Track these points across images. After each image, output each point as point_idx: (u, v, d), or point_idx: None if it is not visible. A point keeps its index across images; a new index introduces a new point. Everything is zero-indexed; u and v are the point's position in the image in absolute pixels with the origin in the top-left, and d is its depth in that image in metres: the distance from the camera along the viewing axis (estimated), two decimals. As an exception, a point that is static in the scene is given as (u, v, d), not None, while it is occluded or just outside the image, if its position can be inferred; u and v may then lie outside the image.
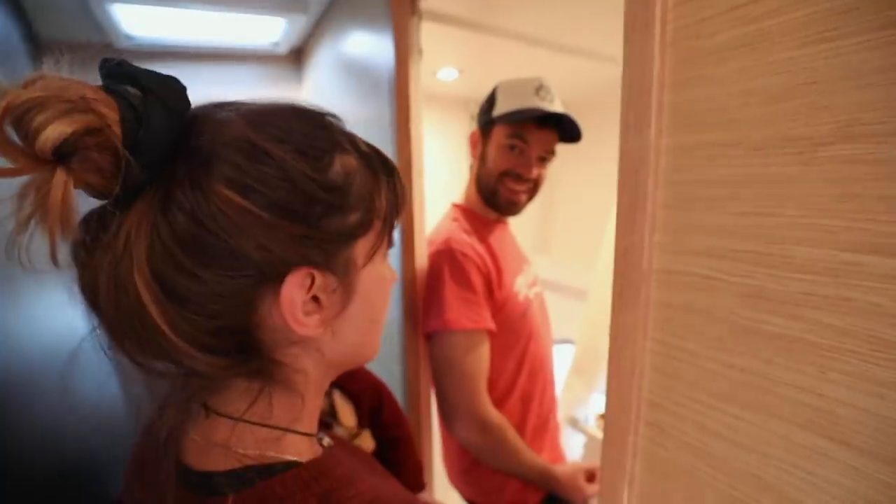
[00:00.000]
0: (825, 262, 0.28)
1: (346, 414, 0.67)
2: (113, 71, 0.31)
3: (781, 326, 0.31)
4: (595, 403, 1.79)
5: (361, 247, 0.38)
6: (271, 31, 1.74)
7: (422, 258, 1.05)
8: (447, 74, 2.11)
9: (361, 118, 1.29)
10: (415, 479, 0.72)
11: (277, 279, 0.33)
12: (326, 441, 0.47)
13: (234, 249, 0.31)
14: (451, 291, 0.96)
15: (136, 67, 0.31)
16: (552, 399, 1.18)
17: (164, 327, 0.30)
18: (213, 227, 0.30)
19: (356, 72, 1.30)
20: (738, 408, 0.34)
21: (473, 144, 1.09)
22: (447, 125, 2.31)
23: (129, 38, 1.60)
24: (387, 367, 1.24)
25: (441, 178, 1.57)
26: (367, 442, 0.68)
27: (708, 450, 0.37)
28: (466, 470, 1.10)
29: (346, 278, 0.37)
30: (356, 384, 0.70)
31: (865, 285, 0.27)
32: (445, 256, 0.98)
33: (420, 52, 0.98)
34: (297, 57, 1.94)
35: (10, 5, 1.14)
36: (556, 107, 1.01)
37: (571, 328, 1.90)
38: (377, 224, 0.39)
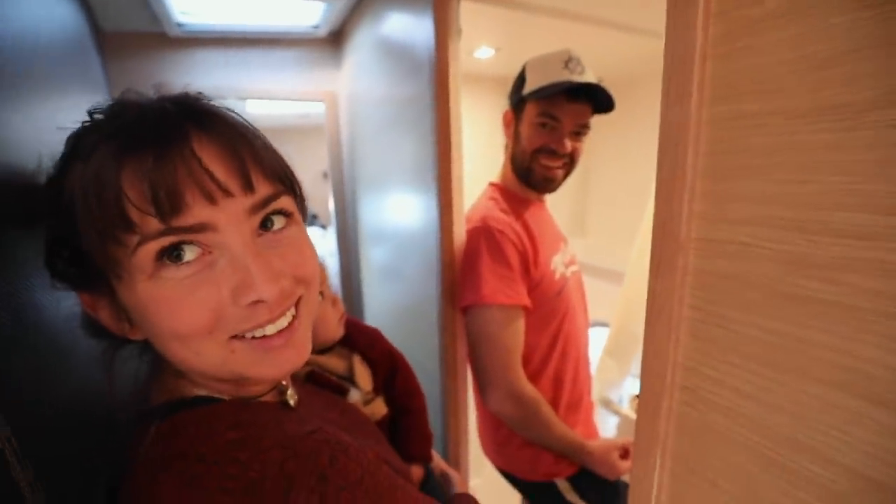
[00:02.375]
0: (865, 227, 0.29)
1: (364, 378, 0.71)
2: None
3: (818, 291, 0.32)
4: (629, 386, 1.79)
5: (103, 268, 0.35)
6: (311, 14, 1.78)
7: (459, 235, 1.07)
8: (483, 53, 2.10)
9: (401, 98, 1.32)
10: (420, 450, 0.75)
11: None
12: (289, 400, 0.47)
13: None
14: (487, 267, 0.98)
15: None
16: (586, 378, 1.19)
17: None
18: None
19: (396, 52, 1.32)
20: (773, 371, 0.35)
21: (507, 124, 1.09)
22: (484, 104, 2.30)
23: (179, 25, 1.67)
24: (424, 341, 1.28)
25: (477, 156, 1.58)
26: (379, 407, 0.72)
27: (743, 412, 0.38)
28: (501, 442, 1.14)
29: (112, 296, 0.37)
30: (373, 351, 0.74)
31: (905, 249, 0.27)
32: (483, 233, 1.00)
33: (459, 31, 0.99)
34: (335, 39, 1.97)
35: (79, 0, 1.21)
36: (587, 77, 0.99)
37: (606, 311, 1.89)
38: (96, 244, 0.34)
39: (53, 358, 0.45)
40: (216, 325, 0.36)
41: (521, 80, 1.05)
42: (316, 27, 1.87)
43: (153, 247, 0.33)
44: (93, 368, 0.52)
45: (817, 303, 0.32)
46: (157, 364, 0.42)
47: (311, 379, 0.67)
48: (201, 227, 0.34)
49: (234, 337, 0.37)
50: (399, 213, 1.45)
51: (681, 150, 0.38)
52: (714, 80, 0.37)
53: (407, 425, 0.76)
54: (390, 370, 0.76)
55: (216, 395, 0.40)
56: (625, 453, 1.04)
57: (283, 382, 0.48)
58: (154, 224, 0.33)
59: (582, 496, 1.05)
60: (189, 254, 0.35)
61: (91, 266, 0.35)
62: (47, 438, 0.39)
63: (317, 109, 2.07)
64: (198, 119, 0.35)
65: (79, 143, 0.35)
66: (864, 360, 0.30)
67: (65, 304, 0.43)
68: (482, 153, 1.74)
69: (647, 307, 0.44)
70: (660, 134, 0.39)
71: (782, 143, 0.33)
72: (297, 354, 0.40)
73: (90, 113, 0.37)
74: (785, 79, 0.32)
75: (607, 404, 1.75)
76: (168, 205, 0.33)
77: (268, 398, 0.45)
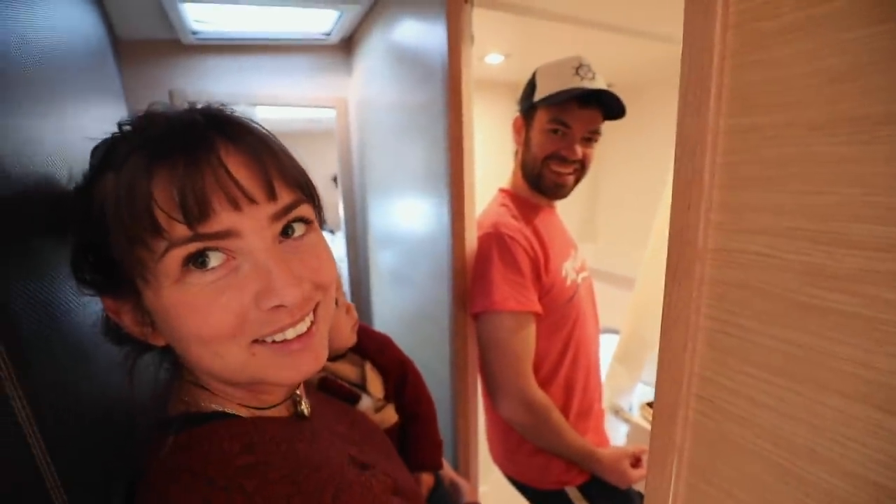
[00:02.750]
0: (883, 238, 0.29)
1: (375, 384, 0.72)
2: None
3: (837, 302, 0.32)
4: (639, 393, 1.78)
5: (130, 274, 0.36)
6: (323, 21, 1.80)
7: (471, 241, 1.08)
8: (493, 59, 2.11)
9: (412, 105, 1.33)
10: (430, 457, 0.76)
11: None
12: (303, 409, 0.48)
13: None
14: (498, 273, 0.99)
15: None
16: (597, 385, 1.19)
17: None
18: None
19: (408, 59, 1.33)
20: (790, 381, 0.35)
21: (517, 130, 1.10)
22: (494, 110, 2.31)
23: (193, 33, 1.70)
24: (435, 347, 1.28)
25: (487, 162, 1.59)
26: (390, 415, 0.73)
27: (759, 422, 0.38)
28: (511, 449, 1.13)
29: (137, 301, 0.38)
30: (384, 358, 0.75)
31: (925, 261, 0.27)
32: (494, 240, 1.01)
33: (472, 38, 1.00)
34: (347, 46, 1.99)
35: (98, 8, 1.24)
36: (598, 84, 1.00)
37: (617, 317, 1.88)
38: (126, 250, 0.35)
39: (79, 360, 0.46)
40: (239, 330, 0.37)
41: (531, 86, 1.05)
42: (328, 34, 1.89)
43: (180, 253, 0.34)
44: (112, 373, 0.53)
45: (835, 314, 0.32)
46: (175, 372, 0.43)
47: (322, 386, 0.68)
48: (226, 234, 0.35)
49: (256, 341, 0.38)
50: (409, 218, 1.46)
51: (698, 159, 0.38)
52: (731, 91, 0.37)
53: (416, 433, 0.76)
54: (400, 377, 0.76)
55: (231, 411, 0.41)
56: (636, 461, 1.04)
57: (297, 392, 0.49)
58: (182, 230, 0.34)
59: (592, 504, 1.05)
60: (214, 260, 0.36)
61: (117, 271, 0.36)
62: (73, 440, 0.40)
63: (327, 114, 2.09)
64: (224, 129, 0.37)
65: (109, 153, 0.36)
66: (882, 371, 0.30)
67: (90, 309, 0.44)
68: (492, 159, 1.74)
69: (664, 316, 0.44)
70: (676, 143, 0.40)
71: (799, 155, 0.33)
72: (315, 359, 0.41)
73: (119, 125, 0.38)
74: (801, 91, 0.33)
75: (617, 412, 1.74)
76: (196, 211, 0.34)
77: (282, 409, 0.46)
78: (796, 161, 0.33)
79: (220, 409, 0.41)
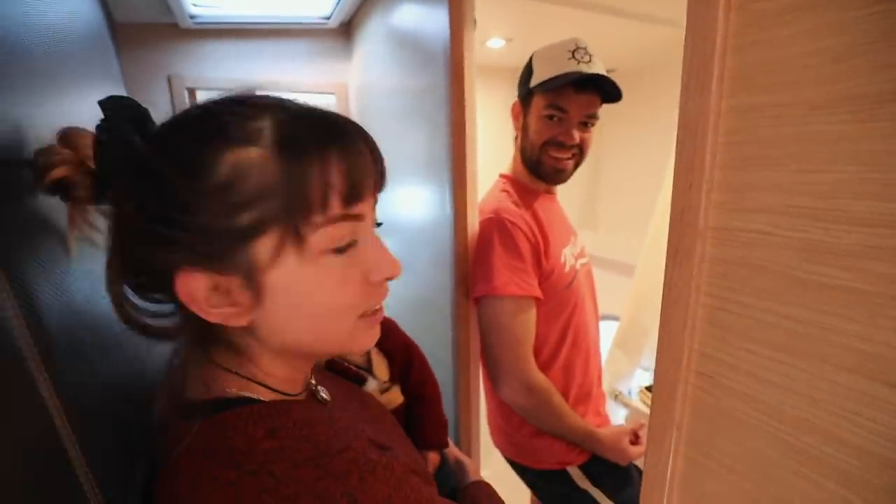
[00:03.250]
0: (880, 215, 0.30)
1: (381, 368, 0.73)
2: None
3: (835, 277, 0.32)
4: (639, 377, 1.80)
5: (262, 247, 0.37)
6: (322, 5, 1.79)
7: (473, 227, 1.08)
8: (495, 43, 2.09)
9: (413, 90, 1.32)
10: (436, 436, 0.77)
11: (170, 277, 0.37)
12: (323, 395, 0.50)
13: (136, 256, 0.37)
14: (499, 258, 1.00)
15: (110, 109, 0.38)
16: (596, 369, 1.20)
17: (117, 305, 0.38)
18: (121, 238, 0.38)
19: (409, 43, 1.33)
20: (789, 356, 0.36)
21: (515, 116, 1.10)
22: (495, 94, 2.30)
23: (192, 17, 1.68)
24: (438, 332, 1.30)
25: (489, 147, 1.59)
26: (396, 396, 0.74)
27: (759, 397, 0.39)
28: (512, 432, 1.15)
29: (250, 278, 0.37)
30: (389, 342, 0.75)
31: (921, 236, 0.28)
32: (495, 225, 1.01)
33: (474, 22, 0.99)
34: (346, 30, 1.97)
35: (96, -8, 1.23)
36: (595, 67, 0.99)
37: (617, 304, 1.90)
38: (279, 222, 0.36)
39: (109, 342, 0.46)
40: (360, 302, 0.42)
41: (528, 71, 1.05)
42: (327, 18, 1.88)
43: (332, 231, 0.38)
44: (131, 355, 0.54)
45: (833, 289, 0.33)
46: (193, 356, 0.43)
47: (329, 367, 0.69)
48: (360, 217, 0.40)
49: (361, 315, 0.43)
50: (411, 205, 1.46)
51: (700, 140, 0.39)
52: (733, 71, 0.37)
53: (422, 413, 0.77)
54: (406, 360, 0.78)
55: (256, 396, 0.42)
56: (635, 438, 1.06)
57: (312, 381, 0.50)
58: (337, 208, 0.38)
59: (594, 483, 1.07)
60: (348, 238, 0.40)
61: (225, 243, 0.36)
62: (98, 424, 0.41)
63: (327, 100, 2.08)
64: (355, 124, 0.41)
65: (228, 130, 0.36)
66: (879, 343, 0.31)
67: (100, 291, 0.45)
68: (494, 144, 1.74)
69: (664, 295, 0.45)
70: (679, 124, 0.40)
71: (800, 134, 0.34)
72: (379, 330, 0.47)
73: (233, 102, 0.38)
74: (802, 71, 0.33)
75: (617, 396, 1.76)
76: (354, 194, 0.38)
77: (301, 397, 0.47)
78: (796, 140, 0.34)
79: (245, 395, 0.41)
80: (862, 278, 0.31)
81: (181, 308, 0.39)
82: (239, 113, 0.37)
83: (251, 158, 0.35)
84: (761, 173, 0.36)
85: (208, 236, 0.36)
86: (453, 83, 1.03)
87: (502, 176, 1.15)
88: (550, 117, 1.01)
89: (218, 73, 1.82)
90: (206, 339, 0.41)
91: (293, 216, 0.36)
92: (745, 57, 0.37)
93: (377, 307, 0.44)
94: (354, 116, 2.05)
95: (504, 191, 1.09)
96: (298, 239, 0.37)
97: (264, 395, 0.43)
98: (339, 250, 0.39)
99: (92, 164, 0.38)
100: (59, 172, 0.37)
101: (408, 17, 1.31)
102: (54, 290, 0.38)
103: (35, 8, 0.49)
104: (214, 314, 0.38)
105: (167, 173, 0.35)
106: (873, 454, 0.32)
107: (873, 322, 0.31)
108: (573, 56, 0.98)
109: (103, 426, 0.42)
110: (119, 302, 0.39)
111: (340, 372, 0.69)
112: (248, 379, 0.42)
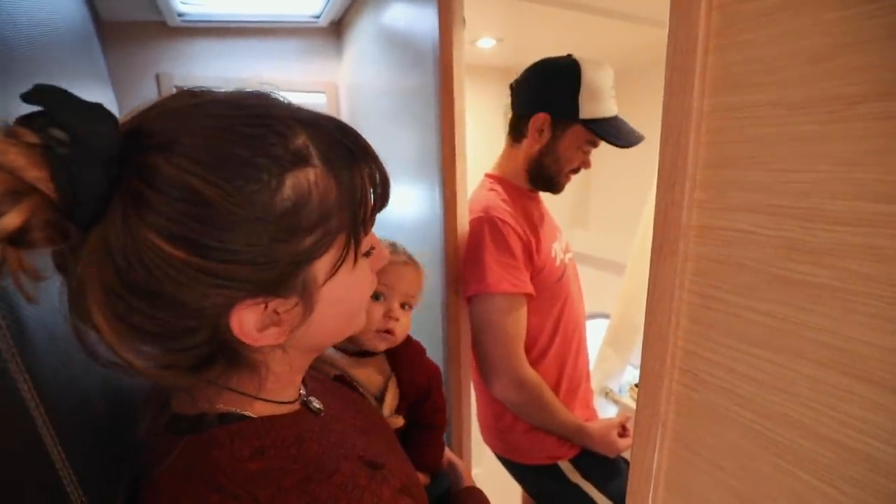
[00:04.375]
0: (856, 213, 0.30)
1: (391, 404, 0.71)
2: (35, 103, 0.28)
3: (812, 275, 0.33)
4: (629, 375, 1.81)
5: (321, 265, 0.37)
6: (312, 3, 1.78)
7: (463, 226, 1.09)
8: (485, 43, 2.09)
9: (403, 89, 1.32)
10: (433, 461, 0.76)
11: (226, 312, 0.34)
12: (316, 405, 0.49)
13: (177, 297, 0.31)
14: (491, 256, 1.00)
15: (61, 104, 0.28)
16: (585, 363, 1.22)
17: (131, 360, 0.32)
18: (152, 277, 0.30)
19: (399, 43, 1.32)
20: (767, 351, 0.37)
21: (538, 128, 1.04)
22: (485, 94, 2.30)
23: (180, 15, 1.67)
24: (429, 332, 1.30)
25: (478, 147, 1.59)
26: (395, 421, 0.72)
27: (738, 392, 0.40)
28: (503, 429, 1.16)
29: (305, 295, 0.36)
30: (411, 384, 0.73)
31: (893, 233, 0.29)
32: (486, 223, 1.02)
33: (463, 21, 0.99)
34: (336, 29, 1.97)
35: (82, -11, 1.21)
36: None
37: (608, 303, 1.91)
38: (340, 238, 0.37)
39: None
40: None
41: (570, 84, 1.00)
42: (317, 17, 1.87)
43: (367, 238, 0.41)
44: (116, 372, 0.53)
45: (810, 286, 0.33)
46: None
47: (336, 379, 0.67)
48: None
49: None
50: (402, 204, 1.46)
51: (682, 139, 0.39)
52: (715, 71, 0.38)
53: (424, 438, 0.76)
54: (423, 393, 0.75)
55: (244, 412, 0.40)
56: (623, 431, 1.08)
57: (302, 391, 0.49)
58: (372, 216, 0.40)
59: (585, 476, 1.08)
60: None
61: (295, 268, 0.35)
62: (84, 438, 0.40)
63: (317, 99, 2.07)
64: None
65: (276, 150, 0.33)
66: (853, 340, 0.32)
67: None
68: (483, 144, 1.74)
69: (649, 292, 0.45)
70: (662, 123, 0.41)
71: (779, 134, 0.34)
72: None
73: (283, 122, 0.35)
74: (781, 72, 0.34)
75: (607, 394, 1.77)
76: (385, 200, 0.41)
77: (294, 406, 0.47)
78: (776, 140, 0.35)
79: (234, 411, 0.40)
80: (837, 276, 0.32)
81: (208, 341, 0.35)
82: (276, 131, 0.34)
83: (310, 180, 0.34)
84: (742, 172, 0.37)
85: (272, 264, 0.33)
86: (442, 82, 1.03)
87: (488, 176, 1.15)
88: (587, 151, 1.07)
89: (207, 72, 1.81)
90: (227, 361, 0.38)
91: (355, 228, 0.38)
92: (727, 57, 0.37)
93: None
94: (344, 116, 2.05)
95: (493, 189, 1.10)
96: (355, 252, 0.39)
97: (255, 408, 0.41)
98: (367, 254, 0.43)
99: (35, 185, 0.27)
100: (16, 217, 0.26)
101: (398, 16, 1.31)
102: (35, 293, 0.37)
103: (10, 3, 0.48)
104: (258, 338, 0.36)
105: (229, 202, 0.31)
106: (847, 447, 0.33)
107: (848, 318, 0.31)
108: (611, 90, 1.03)
109: (87, 437, 0.42)
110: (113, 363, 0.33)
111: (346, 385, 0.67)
112: (238, 392, 0.41)
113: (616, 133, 1.01)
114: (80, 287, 0.30)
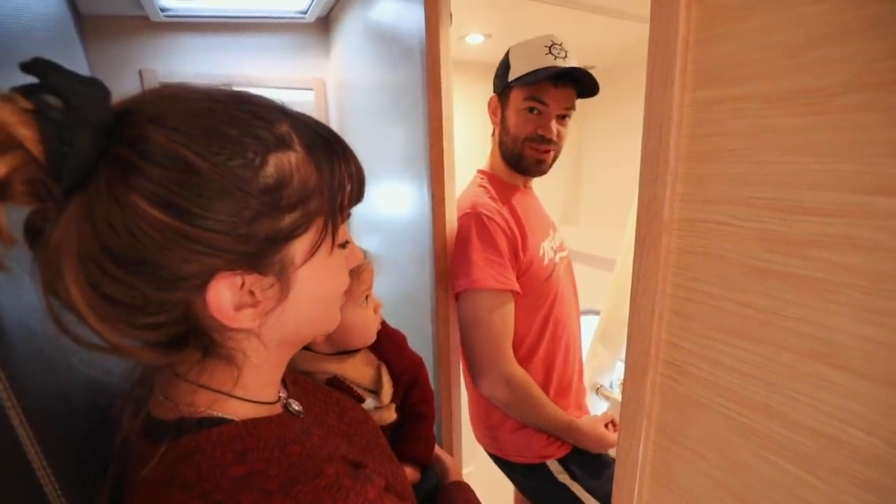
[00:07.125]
0: (834, 204, 0.30)
1: (388, 392, 0.72)
2: (32, 74, 0.29)
3: (791, 266, 0.33)
4: (620, 370, 1.83)
5: (299, 246, 0.38)
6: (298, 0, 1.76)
7: (451, 223, 1.08)
8: (474, 39, 2.09)
9: (391, 86, 1.31)
10: (422, 453, 0.76)
11: (203, 285, 0.34)
12: (295, 407, 0.49)
13: (158, 263, 0.32)
14: (478, 253, 1.00)
15: (58, 74, 0.29)
16: (577, 362, 1.22)
17: (102, 330, 0.32)
18: (136, 242, 0.31)
19: (386, 39, 1.32)
20: (748, 342, 0.37)
21: (493, 111, 1.11)
22: (474, 90, 2.30)
23: (163, 10, 1.64)
24: (418, 329, 1.29)
25: (467, 143, 1.59)
26: (389, 415, 0.73)
27: (721, 383, 0.40)
28: (493, 427, 1.16)
29: (282, 275, 0.37)
30: (400, 364, 0.74)
31: (871, 224, 0.29)
32: (473, 220, 1.02)
33: (450, 17, 0.99)
34: (323, 25, 1.95)
35: (60, -18, 1.19)
36: (570, 62, 1.01)
37: (599, 299, 1.92)
38: (318, 221, 0.38)
39: (70, 350, 0.45)
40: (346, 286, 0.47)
41: (504, 66, 1.06)
42: (304, 13, 1.85)
43: (343, 227, 0.43)
44: (94, 372, 0.52)
45: (790, 277, 0.34)
46: (168, 375, 0.41)
47: (333, 386, 0.67)
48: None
49: None
50: (390, 202, 1.45)
51: (664, 133, 0.40)
52: (695, 65, 0.38)
53: (414, 430, 0.76)
54: (411, 379, 0.76)
55: (226, 415, 0.40)
56: (612, 425, 1.08)
57: (282, 394, 0.49)
58: (348, 207, 0.42)
59: (572, 476, 1.08)
60: None
61: (273, 245, 0.36)
62: (65, 444, 0.39)
63: (304, 96, 2.06)
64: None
65: (261, 133, 0.35)
66: (832, 329, 0.32)
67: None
68: (472, 140, 1.74)
69: (633, 285, 0.45)
70: (644, 117, 0.41)
71: (758, 126, 0.34)
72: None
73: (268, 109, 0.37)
74: (760, 64, 0.34)
75: (598, 389, 1.79)
76: (361, 193, 0.43)
77: (276, 406, 0.46)
78: (756, 132, 0.35)
79: (215, 414, 0.40)
80: (815, 266, 0.32)
81: (180, 319, 0.35)
82: (261, 117, 0.36)
83: (292, 162, 0.36)
84: (723, 165, 0.37)
85: (252, 237, 0.34)
86: (430, 78, 1.03)
87: (480, 172, 1.15)
88: (530, 110, 1.03)
89: (191, 69, 1.78)
90: (201, 349, 0.38)
91: (333, 215, 0.39)
92: (707, 51, 0.37)
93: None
94: (332, 112, 2.03)
95: (481, 186, 1.10)
96: (332, 236, 0.40)
97: (236, 410, 0.41)
98: (343, 245, 0.44)
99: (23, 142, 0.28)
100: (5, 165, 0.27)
101: (385, 12, 1.30)
102: (15, 292, 0.36)
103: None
104: (234, 317, 0.36)
105: (217, 172, 0.32)
106: (826, 435, 0.33)
107: (826, 308, 0.32)
108: (550, 51, 0.99)
109: (67, 441, 0.41)
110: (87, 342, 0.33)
111: (343, 390, 0.67)
112: (219, 392, 0.40)
113: (544, 73, 0.98)
114: (55, 253, 0.30)
